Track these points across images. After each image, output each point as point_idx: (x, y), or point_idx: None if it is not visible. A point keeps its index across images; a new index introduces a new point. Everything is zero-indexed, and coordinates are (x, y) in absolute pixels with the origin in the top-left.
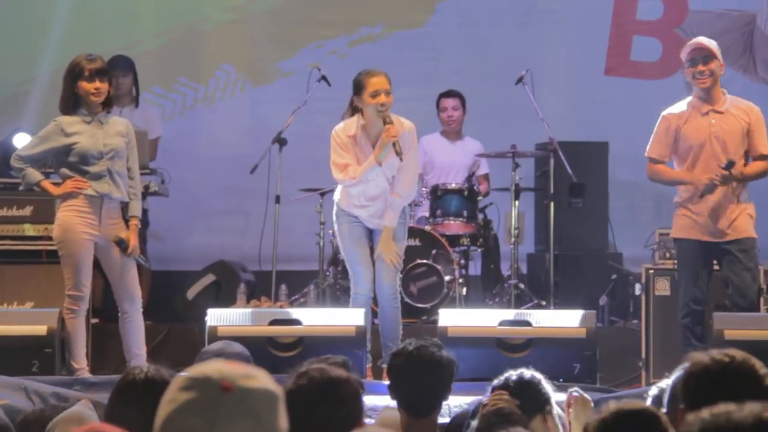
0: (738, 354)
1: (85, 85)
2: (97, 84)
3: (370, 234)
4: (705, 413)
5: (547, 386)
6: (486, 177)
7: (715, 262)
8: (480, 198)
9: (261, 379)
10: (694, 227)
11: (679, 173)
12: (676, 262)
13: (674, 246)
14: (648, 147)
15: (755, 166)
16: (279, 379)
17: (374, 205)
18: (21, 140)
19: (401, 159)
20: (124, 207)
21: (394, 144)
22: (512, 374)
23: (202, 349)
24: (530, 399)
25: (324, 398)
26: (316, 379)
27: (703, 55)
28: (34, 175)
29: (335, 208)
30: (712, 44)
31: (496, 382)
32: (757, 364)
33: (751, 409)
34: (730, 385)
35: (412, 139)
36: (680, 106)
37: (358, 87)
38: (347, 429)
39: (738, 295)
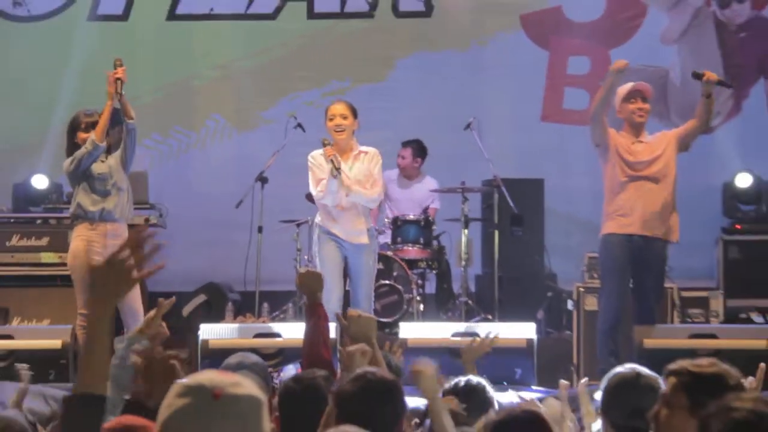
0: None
1: (82, 135)
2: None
3: (346, 260)
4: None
5: (491, 391)
6: (434, 211)
7: None
8: (434, 227)
9: (247, 386)
10: None
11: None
12: None
13: None
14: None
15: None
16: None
17: (346, 216)
18: (38, 181)
19: (333, 175)
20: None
21: (331, 160)
22: (461, 380)
23: (224, 361)
24: (476, 402)
25: (381, 396)
26: (372, 381)
27: (643, 96)
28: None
29: (316, 230)
30: (651, 90)
31: (446, 386)
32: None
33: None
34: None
35: (375, 158)
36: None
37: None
38: (395, 424)
39: None
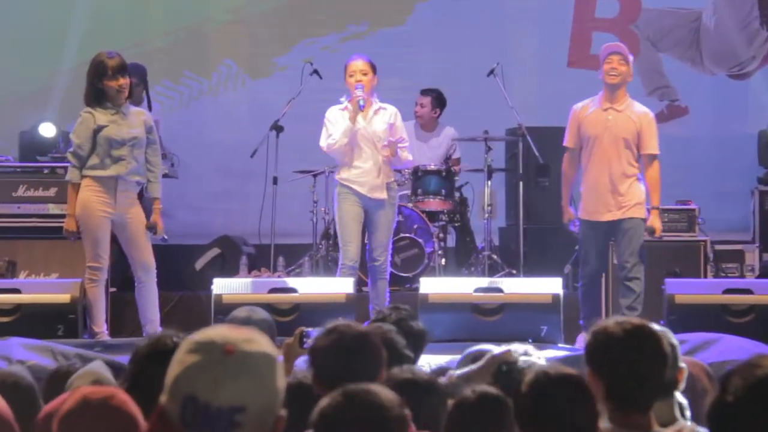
0: (637, 321)
1: (111, 83)
2: (120, 81)
3: (365, 214)
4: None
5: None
6: (458, 161)
7: None
8: (456, 178)
9: (260, 342)
10: None
11: (564, 198)
12: None
13: None
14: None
15: (653, 193)
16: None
17: (365, 171)
18: (46, 129)
19: (361, 107)
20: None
21: (358, 101)
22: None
23: (231, 314)
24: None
25: (354, 350)
26: (346, 334)
27: (620, 57)
28: (74, 177)
29: (337, 187)
30: (625, 53)
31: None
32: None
33: None
34: (633, 350)
35: (397, 118)
36: (587, 101)
37: (344, 72)
38: (375, 376)
39: None
